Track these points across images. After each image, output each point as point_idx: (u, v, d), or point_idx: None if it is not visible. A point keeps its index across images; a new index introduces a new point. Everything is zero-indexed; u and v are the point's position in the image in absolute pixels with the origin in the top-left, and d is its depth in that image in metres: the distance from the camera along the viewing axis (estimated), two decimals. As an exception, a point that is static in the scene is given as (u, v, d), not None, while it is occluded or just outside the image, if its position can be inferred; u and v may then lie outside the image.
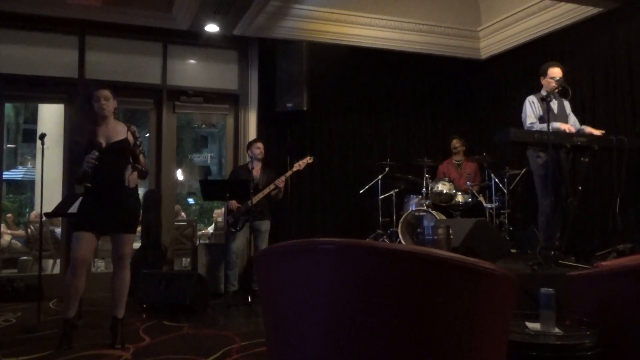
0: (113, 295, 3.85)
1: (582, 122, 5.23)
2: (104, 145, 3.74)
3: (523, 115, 5.00)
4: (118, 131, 3.84)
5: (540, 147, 4.68)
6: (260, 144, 5.93)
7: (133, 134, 3.89)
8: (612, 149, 4.75)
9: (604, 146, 4.70)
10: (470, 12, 7.43)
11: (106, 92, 3.85)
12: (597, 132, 4.84)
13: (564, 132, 4.72)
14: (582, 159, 4.73)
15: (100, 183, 3.75)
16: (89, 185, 3.71)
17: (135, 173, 3.85)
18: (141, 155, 3.94)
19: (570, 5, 6.07)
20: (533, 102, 4.95)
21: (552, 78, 4.91)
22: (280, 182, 5.70)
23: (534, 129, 4.78)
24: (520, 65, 7.08)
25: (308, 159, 5.87)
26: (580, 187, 4.73)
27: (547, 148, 4.47)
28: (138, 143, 3.91)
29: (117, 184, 3.79)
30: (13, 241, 8.12)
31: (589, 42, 6.14)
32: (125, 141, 3.82)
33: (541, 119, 4.84)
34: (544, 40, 6.66)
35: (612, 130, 5.49)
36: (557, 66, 5.01)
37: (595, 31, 6.06)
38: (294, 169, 5.82)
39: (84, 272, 3.73)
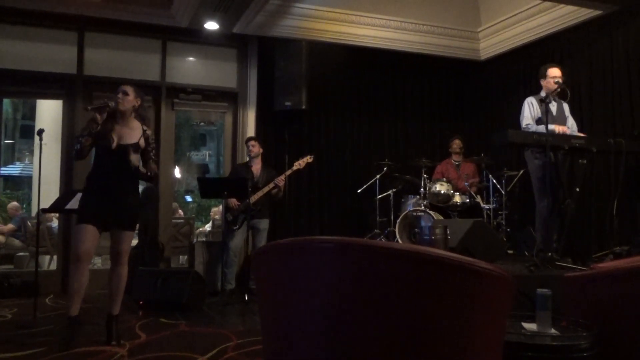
0: (110, 292, 3.84)
1: (580, 124, 5.23)
2: (114, 144, 3.69)
3: (521, 116, 5.01)
4: (133, 133, 3.78)
5: (538, 149, 4.69)
6: (253, 142, 5.92)
7: (147, 139, 3.83)
8: (610, 152, 4.76)
9: (602, 149, 4.71)
10: (470, 13, 7.44)
11: (127, 87, 3.80)
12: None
13: (560, 134, 4.73)
14: (580, 161, 4.74)
15: (104, 181, 3.72)
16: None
17: (138, 156, 3.77)
18: (151, 161, 3.85)
19: (569, 8, 6.08)
20: (532, 104, 4.96)
21: (553, 78, 4.92)
22: (280, 180, 5.69)
23: (531, 130, 4.79)
24: (519, 67, 7.09)
25: (308, 158, 5.85)
26: (577, 189, 4.74)
27: (544, 150, 4.48)
28: (150, 148, 3.85)
29: (120, 184, 3.76)
30: (9, 238, 8.10)
31: (588, 45, 6.15)
32: (136, 145, 3.76)
33: (539, 121, 4.85)
34: (543, 42, 6.67)
35: (610, 132, 5.52)
36: (556, 67, 5.03)
37: (594, 34, 6.08)
38: (294, 167, 5.80)
39: (87, 266, 3.67)
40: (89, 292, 5.66)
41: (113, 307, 3.81)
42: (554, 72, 4.96)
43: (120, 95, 3.76)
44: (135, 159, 3.73)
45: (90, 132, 3.66)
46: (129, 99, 3.78)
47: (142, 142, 3.80)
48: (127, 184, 3.81)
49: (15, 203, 8.99)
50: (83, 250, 3.62)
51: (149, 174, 3.84)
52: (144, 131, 3.84)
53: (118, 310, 3.83)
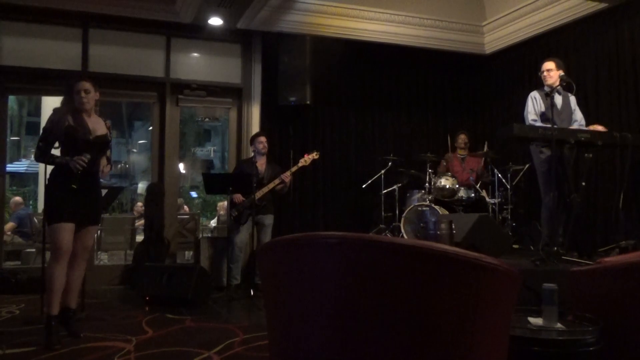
0: (69, 287, 3.76)
1: (585, 118, 5.19)
2: (92, 136, 3.74)
3: (525, 112, 4.98)
4: (99, 125, 3.84)
5: (543, 143, 4.67)
6: (263, 138, 5.91)
7: (109, 129, 3.91)
8: (616, 145, 4.73)
9: (608, 142, 4.68)
10: (475, 6, 7.41)
11: (87, 85, 3.80)
12: (600, 128, 4.82)
13: (565, 128, 4.71)
14: (585, 155, 4.72)
15: (76, 175, 3.70)
16: (74, 186, 3.66)
17: (109, 167, 3.90)
18: (108, 151, 3.95)
19: (575, 1, 6.04)
20: (535, 98, 4.93)
21: (541, 72, 4.92)
22: (286, 176, 5.68)
23: (537, 125, 4.76)
24: (525, 61, 7.05)
25: (314, 155, 5.84)
26: (583, 183, 4.71)
27: (550, 144, 4.45)
28: (110, 138, 3.94)
29: (92, 178, 3.82)
30: (15, 236, 8.11)
31: (594, 38, 6.11)
32: (106, 137, 3.85)
33: (543, 115, 4.83)
34: (549, 35, 6.63)
35: (616, 126, 5.48)
36: (549, 60, 4.98)
37: (600, 27, 6.04)
38: (300, 164, 5.79)
39: (67, 264, 3.69)
40: (96, 287, 5.73)
41: (72, 301, 3.81)
42: (543, 66, 4.95)
43: (83, 96, 3.76)
44: (104, 172, 3.88)
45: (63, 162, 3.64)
46: (91, 96, 3.81)
47: (107, 133, 3.89)
48: (95, 178, 3.87)
49: (17, 198, 8.89)
50: (66, 249, 3.64)
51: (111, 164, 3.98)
52: (104, 121, 3.91)
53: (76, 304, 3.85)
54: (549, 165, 4.66)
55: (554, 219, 4.68)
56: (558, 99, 4.94)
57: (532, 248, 5.77)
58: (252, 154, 5.93)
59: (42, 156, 3.72)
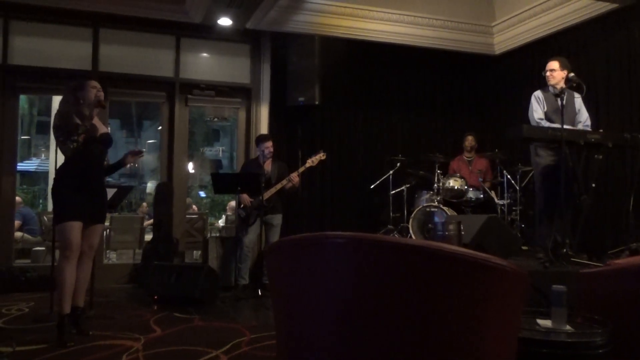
0: (78, 285, 3.77)
1: (596, 119, 5.15)
2: (98, 133, 3.79)
3: (530, 111, 4.92)
4: (102, 124, 3.91)
5: (542, 147, 4.65)
6: (269, 144, 5.82)
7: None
8: (626, 147, 4.70)
9: (618, 143, 4.64)
10: (484, 7, 7.38)
11: (97, 82, 3.90)
12: None
13: (575, 129, 4.68)
14: (595, 156, 4.68)
15: (86, 172, 3.77)
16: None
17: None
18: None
19: (586, 1, 6.01)
20: (539, 98, 4.89)
21: (544, 72, 4.88)
22: (295, 177, 5.67)
23: (544, 125, 4.73)
24: (535, 62, 7.00)
25: (321, 155, 5.82)
26: (593, 185, 4.68)
27: (555, 145, 4.43)
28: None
29: (100, 175, 3.91)
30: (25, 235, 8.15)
31: (604, 39, 6.07)
32: (109, 135, 3.93)
33: (545, 115, 4.80)
34: (559, 36, 6.60)
35: (627, 127, 5.44)
36: (554, 60, 4.94)
37: (610, 28, 6.00)
38: (307, 164, 5.78)
39: (76, 262, 3.72)
40: (105, 286, 5.76)
41: (80, 299, 3.83)
42: (547, 66, 4.92)
43: (98, 92, 3.83)
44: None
45: (79, 130, 3.68)
46: (102, 93, 3.89)
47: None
48: (102, 176, 3.97)
49: (16, 198, 8.94)
50: (75, 247, 3.66)
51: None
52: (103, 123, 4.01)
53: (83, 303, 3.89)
54: (543, 171, 4.66)
55: (557, 221, 4.64)
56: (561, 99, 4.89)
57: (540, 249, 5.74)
58: (258, 154, 5.92)
59: (75, 148, 3.71)
